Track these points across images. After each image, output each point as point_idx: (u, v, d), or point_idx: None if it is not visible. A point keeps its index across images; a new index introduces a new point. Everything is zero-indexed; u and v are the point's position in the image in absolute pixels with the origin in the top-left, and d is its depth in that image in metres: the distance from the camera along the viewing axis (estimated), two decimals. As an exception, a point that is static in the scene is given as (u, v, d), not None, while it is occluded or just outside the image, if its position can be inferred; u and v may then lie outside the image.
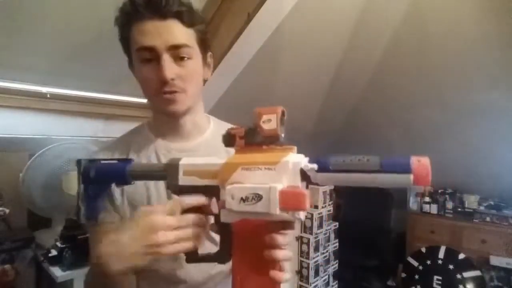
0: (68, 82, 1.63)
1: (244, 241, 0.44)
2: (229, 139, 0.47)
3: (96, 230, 0.64)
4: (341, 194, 3.25)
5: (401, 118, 2.59)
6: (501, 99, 2.14)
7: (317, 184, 0.42)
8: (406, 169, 0.37)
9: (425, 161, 0.37)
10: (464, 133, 2.35)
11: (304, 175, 0.42)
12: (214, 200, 0.47)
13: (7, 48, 1.33)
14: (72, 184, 1.51)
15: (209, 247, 0.52)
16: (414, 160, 0.37)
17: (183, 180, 0.49)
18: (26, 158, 1.51)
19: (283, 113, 0.44)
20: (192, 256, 0.49)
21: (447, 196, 2.80)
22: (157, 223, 0.45)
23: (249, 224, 0.43)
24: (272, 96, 2.13)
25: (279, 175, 0.41)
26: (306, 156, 0.43)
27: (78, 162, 0.56)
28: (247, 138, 0.45)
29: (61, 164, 1.51)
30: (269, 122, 0.43)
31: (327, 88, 2.55)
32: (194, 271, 0.66)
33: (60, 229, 1.48)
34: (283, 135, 0.44)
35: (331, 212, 2.41)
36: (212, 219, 0.48)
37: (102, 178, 0.55)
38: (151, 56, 0.60)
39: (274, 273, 0.42)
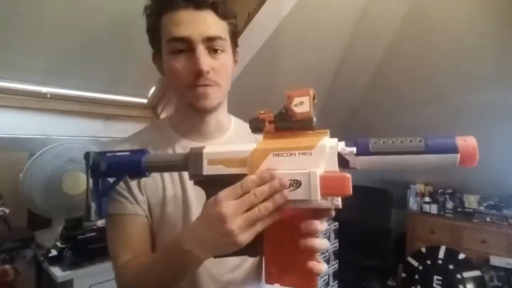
0: (68, 82, 1.63)
1: (277, 232, 0.42)
2: (257, 124, 0.44)
3: (118, 223, 0.62)
4: (341, 194, 3.24)
5: (401, 118, 2.58)
6: (502, 99, 2.14)
7: (355, 169, 0.39)
8: (453, 149, 0.35)
9: (471, 140, 0.35)
10: (464, 133, 2.34)
11: (342, 160, 0.39)
12: None
13: (7, 48, 1.33)
14: (72, 185, 1.51)
15: None
16: (460, 140, 0.35)
17: (208, 169, 0.45)
18: (26, 158, 1.50)
19: (314, 96, 0.42)
20: None
21: (447, 196, 2.80)
22: (223, 212, 0.40)
23: (283, 213, 0.41)
24: (272, 96, 2.12)
25: (316, 160, 0.39)
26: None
27: (86, 155, 0.52)
28: (277, 123, 0.42)
29: (61, 164, 1.51)
30: (301, 105, 0.41)
31: (327, 88, 2.55)
32: (207, 282, 0.64)
33: (60, 229, 1.48)
34: (315, 119, 0.41)
35: (331, 212, 2.41)
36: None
37: (114, 171, 0.51)
38: (184, 47, 0.58)
39: (312, 264, 0.40)
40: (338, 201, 0.39)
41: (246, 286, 0.68)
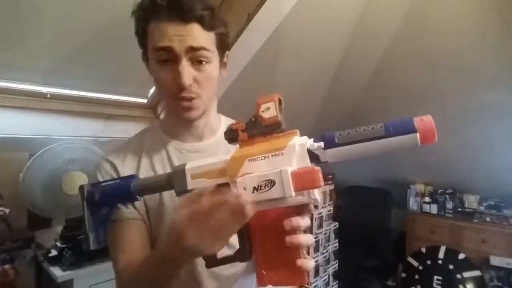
0: (68, 82, 1.63)
1: (263, 234, 0.43)
2: (231, 135, 0.46)
3: (116, 228, 0.62)
4: (341, 194, 3.25)
5: (401, 118, 2.58)
6: (502, 99, 2.14)
7: (326, 163, 0.42)
8: (411, 129, 0.37)
9: (428, 118, 0.37)
10: (464, 133, 2.35)
11: (313, 156, 0.41)
12: None
13: (8, 48, 1.33)
14: (72, 185, 1.51)
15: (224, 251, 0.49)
16: (418, 120, 0.38)
17: (192, 184, 0.47)
18: (26, 158, 1.51)
19: (280, 100, 0.44)
20: (211, 260, 0.47)
21: (447, 196, 2.80)
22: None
23: (266, 215, 0.42)
24: (272, 96, 2.12)
25: (288, 159, 0.41)
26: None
27: (81, 188, 0.54)
28: (249, 131, 0.45)
29: (61, 164, 1.51)
30: (268, 110, 0.43)
31: (327, 88, 2.55)
32: (208, 278, 0.65)
33: (60, 229, 1.48)
34: (283, 121, 0.43)
35: (331, 212, 2.41)
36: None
37: (108, 200, 0.54)
38: (169, 57, 0.59)
39: (301, 262, 0.41)
40: (315, 195, 0.40)
41: (244, 279, 0.70)
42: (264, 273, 0.43)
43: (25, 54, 1.40)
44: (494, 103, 2.18)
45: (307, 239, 0.42)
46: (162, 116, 2.02)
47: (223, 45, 0.66)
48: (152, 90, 1.92)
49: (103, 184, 0.55)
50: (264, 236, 0.44)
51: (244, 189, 0.41)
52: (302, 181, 0.39)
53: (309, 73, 2.24)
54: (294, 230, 0.41)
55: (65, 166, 1.52)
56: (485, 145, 2.43)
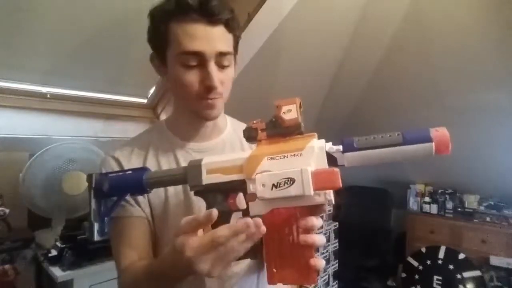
0: (68, 82, 1.63)
1: (276, 233, 0.44)
2: (250, 133, 0.47)
3: (119, 225, 0.62)
4: (341, 194, 3.25)
5: (401, 118, 2.59)
6: (502, 99, 2.14)
7: (343, 166, 0.43)
8: (427, 139, 0.39)
9: (443, 130, 0.40)
10: (464, 133, 2.34)
11: (330, 158, 0.43)
12: (240, 195, 0.47)
13: (7, 48, 1.33)
14: (72, 184, 1.51)
15: None
16: (433, 131, 0.40)
17: (207, 179, 0.48)
18: (26, 158, 1.51)
19: (300, 104, 0.45)
20: None
21: (447, 196, 2.80)
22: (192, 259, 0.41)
23: (279, 214, 0.43)
24: (272, 96, 2.12)
25: (307, 160, 0.42)
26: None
27: (89, 176, 0.54)
28: (269, 130, 0.46)
29: (61, 164, 1.51)
30: (290, 112, 0.45)
31: (327, 88, 2.55)
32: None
33: (60, 229, 1.48)
34: (303, 124, 0.45)
35: (331, 212, 2.41)
36: (239, 214, 0.47)
37: (117, 190, 0.53)
38: (196, 61, 0.59)
39: (314, 261, 0.42)
40: (331, 196, 0.42)
41: (246, 278, 0.69)
42: (275, 271, 0.44)
43: (25, 54, 1.40)
44: (494, 103, 2.18)
45: (320, 239, 0.43)
46: (162, 116, 2.02)
47: (237, 47, 0.68)
48: (152, 90, 1.93)
49: (113, 174, 0.55)
50: (276, 235, 0.44)
51: (263, 185, 0.42)
52: (322, 181, 0.40)
53: (309, 73, 2.24)
54: (308, 230, 0.42)
55: (65, 166, 1.52)
56: (485, 145, 2.43)
